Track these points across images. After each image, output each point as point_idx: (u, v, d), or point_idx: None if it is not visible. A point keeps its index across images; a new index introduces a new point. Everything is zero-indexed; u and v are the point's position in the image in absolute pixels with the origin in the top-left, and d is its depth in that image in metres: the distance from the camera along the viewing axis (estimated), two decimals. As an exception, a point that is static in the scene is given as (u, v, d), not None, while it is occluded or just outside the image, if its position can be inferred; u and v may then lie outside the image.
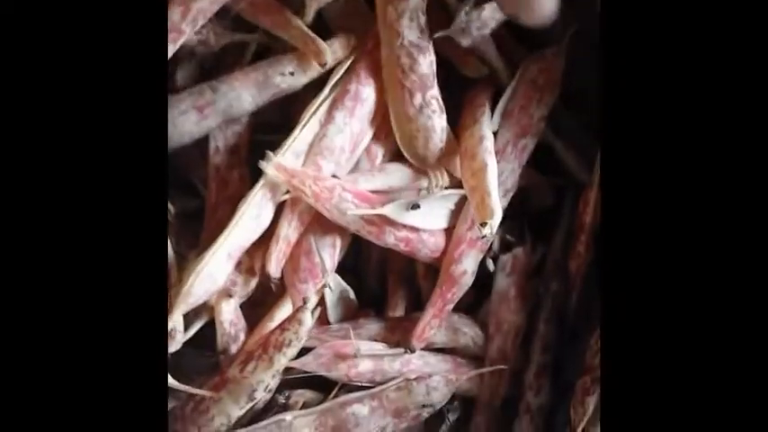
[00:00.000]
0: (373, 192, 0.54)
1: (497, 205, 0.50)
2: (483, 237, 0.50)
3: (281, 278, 0.55)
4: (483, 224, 0.50)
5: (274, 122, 0.59)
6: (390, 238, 0.54)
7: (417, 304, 0.59)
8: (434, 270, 0.57)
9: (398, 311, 0.59)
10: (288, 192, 0.53)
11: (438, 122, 0.55)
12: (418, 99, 0.54)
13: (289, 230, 0.53)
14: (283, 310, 0.55)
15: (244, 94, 0.55)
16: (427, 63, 0.54)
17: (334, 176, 0.53)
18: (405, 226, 0.54)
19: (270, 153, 0.52)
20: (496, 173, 0.53)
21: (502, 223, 0.57)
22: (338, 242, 0.56)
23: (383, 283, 0.61)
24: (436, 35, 0.54)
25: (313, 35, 0.54)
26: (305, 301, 0.49)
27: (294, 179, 0.52)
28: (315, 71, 0.56)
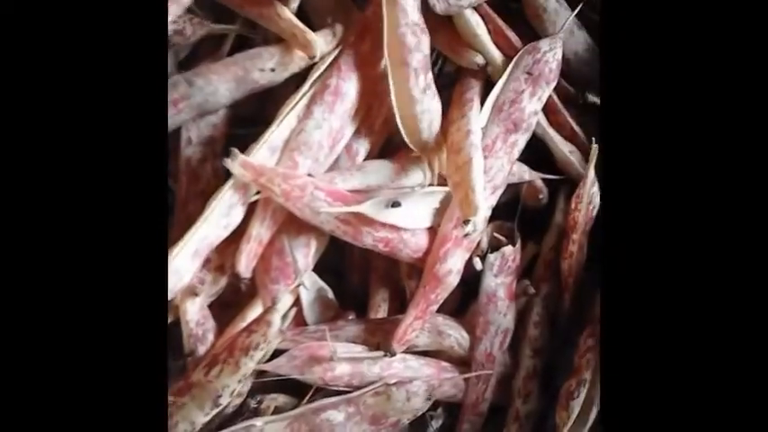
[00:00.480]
0: (352, 192, 0.52)
1: (482, 201, 0.48)
2: (466, 235, 0.48)
3: (253, 278, 0.52)
4: (466, 221, 0.47)
5: (252, 114, 0.57)
6: (368, 239, 0.52)
7: (402, 305, 0.57)
8: (419, 269, 0.55)
9: (381, 312, 0.57)
10: (258, 192, 0.51)
11: (439, 105, 0.53)
12: (422, 80, 0.52)
13: (261, 229, 0.51)
14: (256, 311, 0.53)
15: (221, 88, 0.53)
16: (427, 44, 0.53)
17: (309, 175, 0.51)
18: (384, 225, 0.51)
19: (235, 150, 0.49)
20: (482, 168, 0.51)
21: (491, 221, 0.56)
22: (313, 241, 0.53)
23: (366, 282, 0.58)
24: None
25: (303, 26, 0.53)
26: (274, 302, 0.47)
27: (262, 177, 0.50)
28: (296, 66, 0.55)
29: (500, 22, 0.57)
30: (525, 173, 0.58)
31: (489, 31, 0.57)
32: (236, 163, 0.49)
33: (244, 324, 0.51)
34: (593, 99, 0.58)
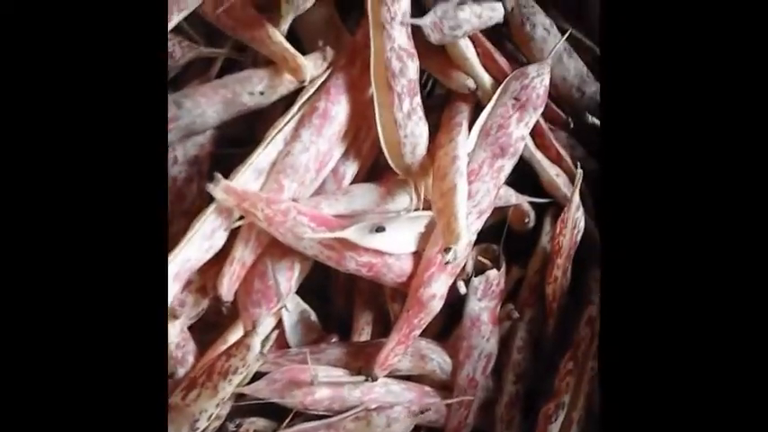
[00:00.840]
0: (337, 216, 0.52)
1: (464, 230, 0.48)
2: (447, 263, 0.48)
3: (234, 301, 0.52)
4: (447, 249, 0.47)
5: (239, 134, 0.57)
6: (351, 264, 0.52)
7: (386, 328, 0.56)
8: (404, 293, 0.54)
9: (364, 335, 0.57)
10: (241, 217, 0.51)
11: (424, 130, 0.53)
12: (407, 104, 0.52)
13: (245, 252, 0.51)
14: (238, 334, 0.53)
15: (209, 111, 0.53)
16: (414, 69, 0.53)
17: (294, 200, 0.51)
18: (367, 250, 0.51)
19: (218, 175, 0.49)
20: (466, 196, 0.51)
21: (476, 244, 0.55)
22: (297, 265, 0.53)
23: (350, 304, 0.58)
24: (407, 21, 0.52)
25: (294, 51, 0.53)
26: (254, 326, 0.47)
27: (245, 202, 0.49)
28: (285, 89, 0.55)
29: (489, 45, 0.58)
30: (512, 196, 0.58)
31: (478, 55, 0.57)
32: (219, 188, 0.49)
33: (225, 346, 0.51)
34: (594, 121, 0.58)
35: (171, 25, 0.52)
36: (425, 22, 0.53)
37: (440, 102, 0.59)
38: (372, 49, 0.52)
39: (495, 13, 0.56)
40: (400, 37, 0.52)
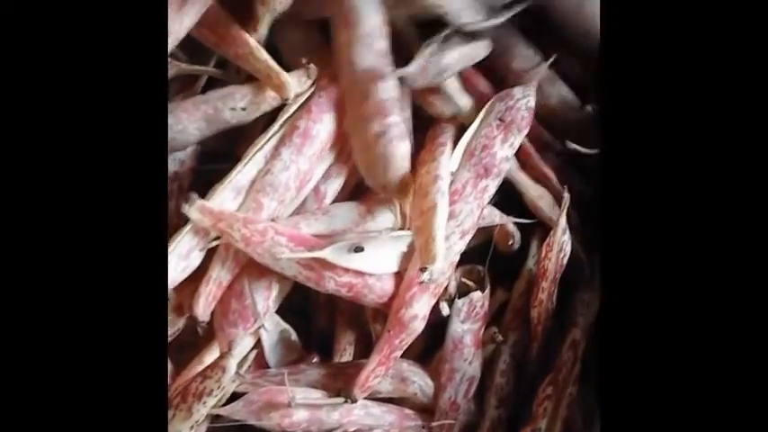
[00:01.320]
0: (316, 236, 0.52)
1: (441, 250, 0.48)
2: (421, 282, 0.47)
3: (211, 321, 0.52)
4: (423, 269, 0.47)
5: (220, 149, 0.57)
6: (331, 284, 0.51)
7: (369, 348, 0.56)
8: (386, 313, 0.54)
9: (346, 356, 0.56)
10: (218, 237, 0.50)
11: (398, 149, 0.51)
12: (375, 126, 0.51)
13: (221, 272, 0.51)
14: (214, 354, 0.53)
15: (190, 127, 0.53)
16: (385, 89, 0.52)
17: (272, 220, 0.51)
18: (347, 270, 0.51)
19: (193, 195, 0.49)
20: (446, 216, 0.50)
21: (460, 265, 0.55)
22: (276, 284, 0.53)
23: (332, 323, 0.58)
24: (392, 73, 0.52)
25: (278, 68, 0.53)
26: (230, 347, 0.46)
27: (221, 222, 0.49)
28: (268, 105, 0.54)
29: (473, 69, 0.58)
30: (496, 216, 0.58)
31: (460, 76, 0.57)
32: (194, 208, 0.49)
33: (201, 367, 0.50)
34: (573, 147, 0.58)
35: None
36: (411, 70, 0.52)
37: (425, 120, 0.58)
38: (341, 72, 0.52)
39: (484, 51, 0.56)
40: (365, 59, 0.51)
